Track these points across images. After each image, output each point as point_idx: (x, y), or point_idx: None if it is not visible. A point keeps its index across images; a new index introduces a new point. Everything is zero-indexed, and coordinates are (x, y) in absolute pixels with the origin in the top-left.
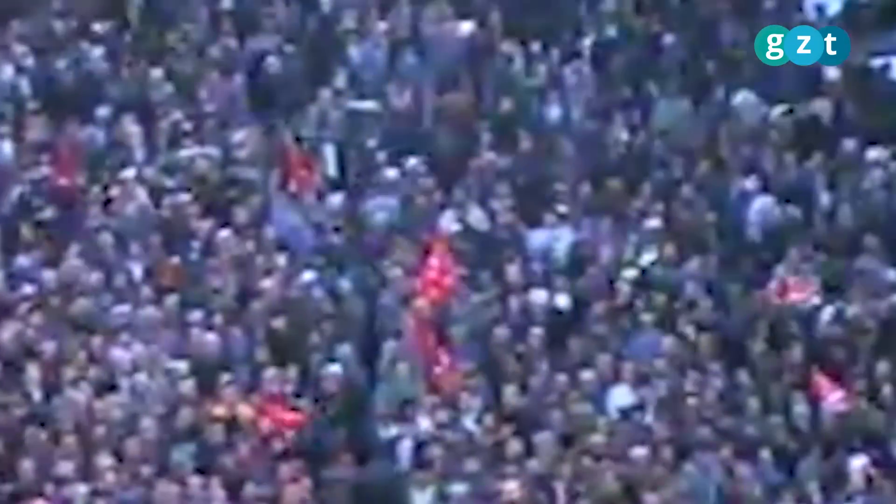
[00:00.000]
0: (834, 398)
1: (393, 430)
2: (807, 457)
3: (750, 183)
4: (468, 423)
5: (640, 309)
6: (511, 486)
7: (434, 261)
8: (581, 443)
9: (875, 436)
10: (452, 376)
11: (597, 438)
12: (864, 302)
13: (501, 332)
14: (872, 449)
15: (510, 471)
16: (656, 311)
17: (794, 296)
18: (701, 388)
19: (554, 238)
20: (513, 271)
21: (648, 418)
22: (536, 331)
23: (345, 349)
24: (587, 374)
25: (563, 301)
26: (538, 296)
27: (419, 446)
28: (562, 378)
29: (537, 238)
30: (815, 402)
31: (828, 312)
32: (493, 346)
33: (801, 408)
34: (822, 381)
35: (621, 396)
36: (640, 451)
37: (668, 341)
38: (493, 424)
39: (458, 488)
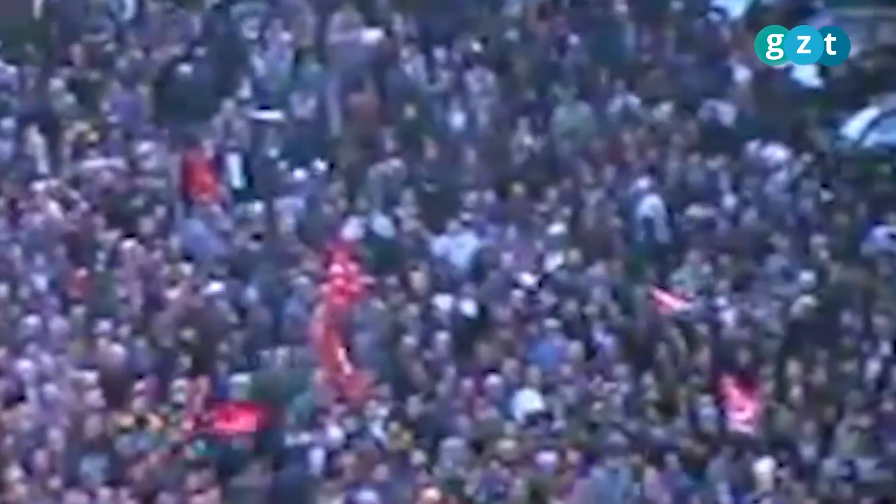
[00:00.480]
0: (741, 416)
1: (304, 438)
2: (715, 460)
3: (649, 184)
4: (376, 430)
5: (546, 314)
6: (431, 493)
7: (339, 268)
8: (489, 448)
9: (784, 437)
10: (358, 384)
11: (505, 444)
12: (770, 304)
13: (407, 338)
14: (781, 450)
15: (420, 479)
16: (562, 317)
17: (668, 301)
18: (608, 393)
19: (458, 245)
20: (418, 278)
21: (556, 423)
22: (442, 337)
23: (253, 359)
24: (494, 380)
25: (468, 307)
26: (443, 302)
27: (329, 454)
28: (468, 384)
29: (442, 245)
30: (722, 405)
31: (734, 315)
32: (400, 353)
33: (708, 411)
34: (732, 394)
35: (528, 401)
36: (547, 457)
37: (574, 346)
38: (400, 431)
39: (368, 496)
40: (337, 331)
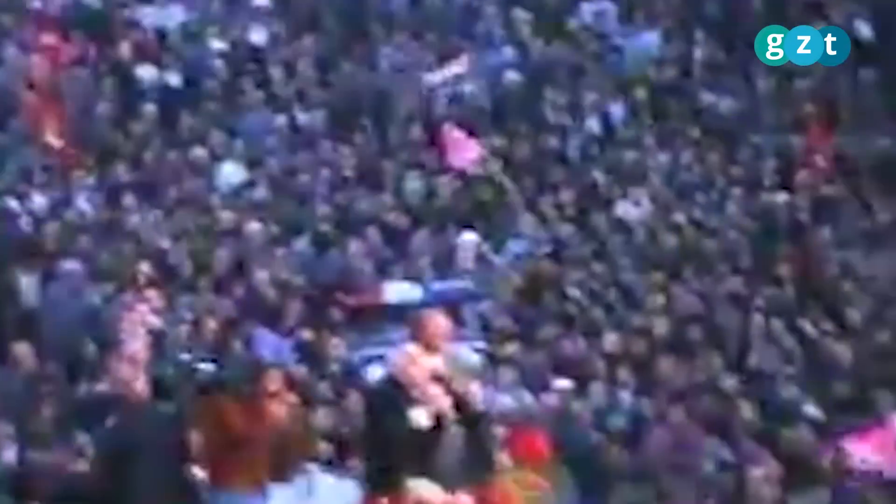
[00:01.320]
0: (466, 155)
1: (9, 205)
2: (418, 232)
3: None
4: (81, 201)
5: (253, 86)
6: (138, 265)
7: (47, 37)
8: (196, 220)
9: (485, 211)
10: (68, 153)
11: (211, 215)
12: (476, 79)
13: (113, 108)
14: (482, 223)
15: (125, 249)
16: (268, 88)
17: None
18: (313, 166)
19: (166, 16)
20: (124, 48)
21: (261, 195)
22: (149, 107)
23: None
24: (199, 151)
25: (174, 79)
26: (149, 72)
27: (34, 223)
28: (174, 154)
29: (149, 15)
30: (431, 178)
31: (444, 91)
32: (105, 123)
33: (414, 185)
34: (453, 138)
35: (233, 173)
36: (252, 227)
37: (279, 119)
38: (106, 202)
39: (71, 265)
40: (47, 100)
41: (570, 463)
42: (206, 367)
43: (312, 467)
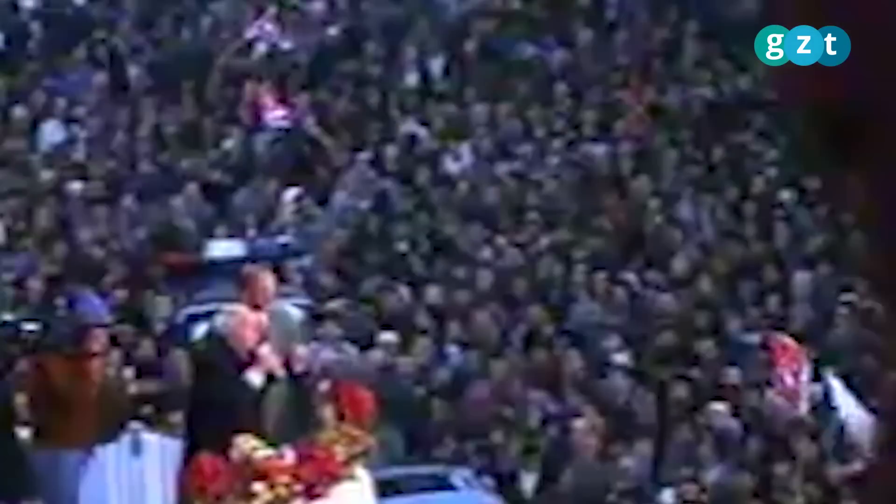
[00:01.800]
0: (274, 114)
1: None
2: (240, 190)
3: None
4: None
5: (74, 45)
6: None
7: None
8: (15, 183)
9: (305, 165)
10: None
11: (33, 177)
12: (295, 35)
13: None
14: (305, 177)
15: None
16: (90, 48)
17: None
18: (134, 123)
19: None
20: None
21: (80, 154)
22: None
23: None
24: (19, 111)
25: None
26: None
27: None
28: None
29: None
30: (251, 134)
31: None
32: None
33: (231, 142)
34: (265, 103)
35: (53, 132)
36: (74, 186)
37: (100, 77)
38: None
39: None
40: None
41: (394, 418)
42: (30, 327)
43: (137, 426)
